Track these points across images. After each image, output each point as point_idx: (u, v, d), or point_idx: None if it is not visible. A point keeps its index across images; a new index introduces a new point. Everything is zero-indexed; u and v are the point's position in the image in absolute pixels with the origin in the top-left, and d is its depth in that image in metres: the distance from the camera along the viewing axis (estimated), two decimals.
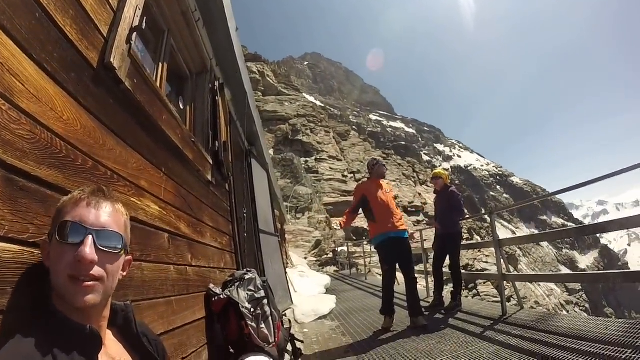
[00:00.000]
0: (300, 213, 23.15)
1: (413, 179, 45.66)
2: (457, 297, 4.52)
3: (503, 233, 59.03)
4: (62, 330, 0.73)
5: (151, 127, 1.76)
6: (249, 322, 2.11)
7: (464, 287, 4.87)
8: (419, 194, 39.52)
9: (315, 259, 16.79)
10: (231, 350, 2.24)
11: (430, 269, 5.42)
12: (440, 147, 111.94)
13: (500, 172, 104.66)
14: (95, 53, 1.29)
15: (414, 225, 28.14)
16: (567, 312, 36.31)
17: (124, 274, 0.93)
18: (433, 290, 4.94)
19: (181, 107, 2.90)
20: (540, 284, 35.54)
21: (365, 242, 13.64)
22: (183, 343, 1.81)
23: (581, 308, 42.14)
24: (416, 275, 3.95)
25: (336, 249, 18.03)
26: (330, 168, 36.10)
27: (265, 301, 2.32)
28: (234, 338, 2.14)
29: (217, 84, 3.34)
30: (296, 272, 10.15)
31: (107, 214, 0.84)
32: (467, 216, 5.08)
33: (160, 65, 2.38)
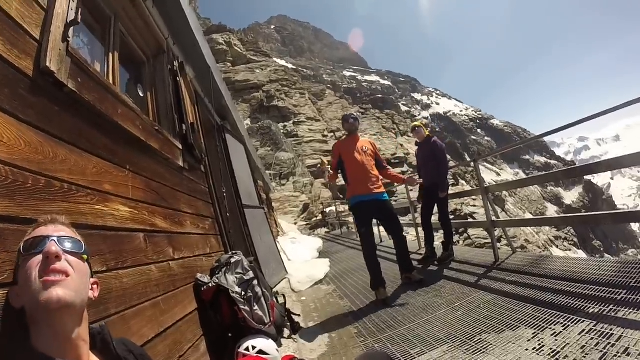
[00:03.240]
0: (284, 179, 23.14)
1: (394, 131, 45.74)
2: (449, 247, 4.62)
3: (487, 175, 60.29)
4: None
5: (107, 125, 1.66)
6: (242, 307, 2.14)
7: (454, 232, 4.96)
8: (401, 145, 39.76)
9: (305, 223, 17.02)
10: (229, 335, 2.26)
11: (419, 220, 5.49)
12: (417, 96, 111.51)
13: (480, 116, 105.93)
14: (29, 60, 1.18)
15: None
16: (557, 247, 37.81)
17: (96, 295, 0.93)
18: (424, 242, 5.03)
19: (141, 94, 2.75)
20: None
21: None
22: (177, 341, 1.81)
23: (570, 242, 43.77)
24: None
25: (325, 210, 18.25)
26: (309, 130, 35.82)
27: (255, 282, 2.33)
28: (230, 323, 2.17)
29: (176, 63, 3.16)
30: (288, 239, 10.27)
31: (64, 227, 0.91)
32: (452, 165, 5.05)
33: (111, 55, 2.20)
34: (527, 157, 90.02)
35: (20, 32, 1.15)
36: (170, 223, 2.19)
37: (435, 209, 4.87)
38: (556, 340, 1.93)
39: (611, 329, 1.85)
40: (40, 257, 0.79)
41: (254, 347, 2.06)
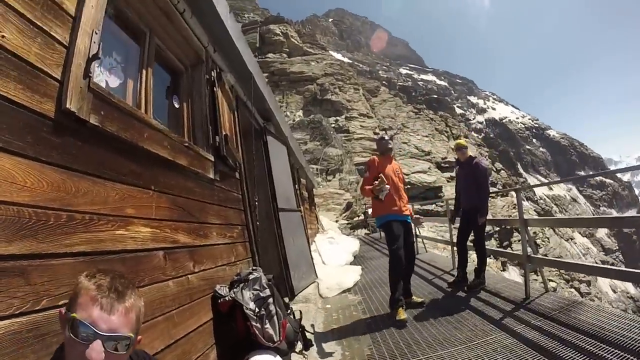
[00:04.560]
0: (330, 175, 23.24)
1: (446, 134, 44.21)
2: (480, 274, 4.45)
3: (538, 189, 57.07)
4: None
5: (131, 151, 1.75)
6: (254, 323, 2.21)
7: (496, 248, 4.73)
8: (452, 149, 38.49)
9: (346, 222, 17.03)
10: (241, 346, 2.35)
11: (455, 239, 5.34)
12: (473, 99, 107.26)
13: (537, 125, 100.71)
14: (51, 103, 1.26)
15: (448, 182, 27.65)
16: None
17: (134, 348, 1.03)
18: (457, 265, 4.89)
19: (176, 106, 2.86)
20: (577, 241, 33.65)
21: None
22: (187, 351, 1.91)
23: None
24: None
25: (367, 210, 18.08)
26: (361, 126, 35.69)
27: (271, 300, 2.40)
28: (242, 336, 2.26)
29: (213, 73, 3.23)
30: (326, 238, 10.36)
31: (118, 317, 0.90)
32: (492, 193, 4.81)
33: (144, 72, 2.31)
34: (582, 173, 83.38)
35: (41, 76, 1.22)
36: (193, 237, 2.30)
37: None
38: None
39: None
40: (84, 346, 0.83)
41: None
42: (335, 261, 7.43)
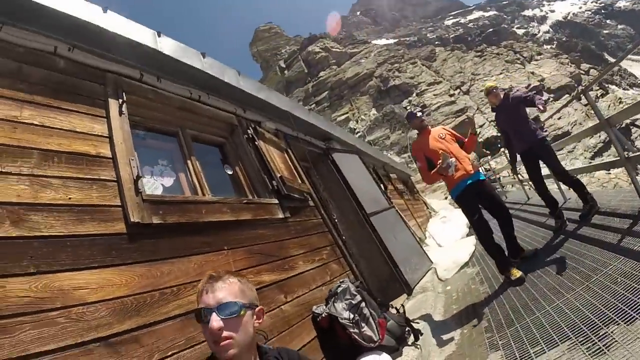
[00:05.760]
0: None
1: (519, 61, 39.47)
2: (587, 197, 3.93)
3: (638, 69, 46.64)
4: None
5: (196, 228, 2.19)
6: (351, 330, 2.43)
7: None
8: (532, 73, 34.21)
9: None
10: (349, 354, 2.54)
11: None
12: (528, 12, 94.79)
13: (602, 4, 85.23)
14: (121, 223, 1.75)
15: (540, 110, 24.62)
16: None
17: (260, 321, 1.19)
18: (549, 212, 4.41)
19: (230, 173, 3.30)
20: None
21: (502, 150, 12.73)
22: None
23: None
24: None
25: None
26: (434, 95, 34.19)
27: (363, 304, 2.59)
28: (347, 344, 2.48)
29: (250, 130, 3.59)
30: (438, 219, 10.11)
31: (220, 291, 1.11)
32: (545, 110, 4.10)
33: (189, 162, 2.79)
34: None
35: (106, 210, 1.72)
36: (278, 273, 2.64)
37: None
38: None
39: None
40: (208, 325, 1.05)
41: None
42: (450, 239, 7.22)
